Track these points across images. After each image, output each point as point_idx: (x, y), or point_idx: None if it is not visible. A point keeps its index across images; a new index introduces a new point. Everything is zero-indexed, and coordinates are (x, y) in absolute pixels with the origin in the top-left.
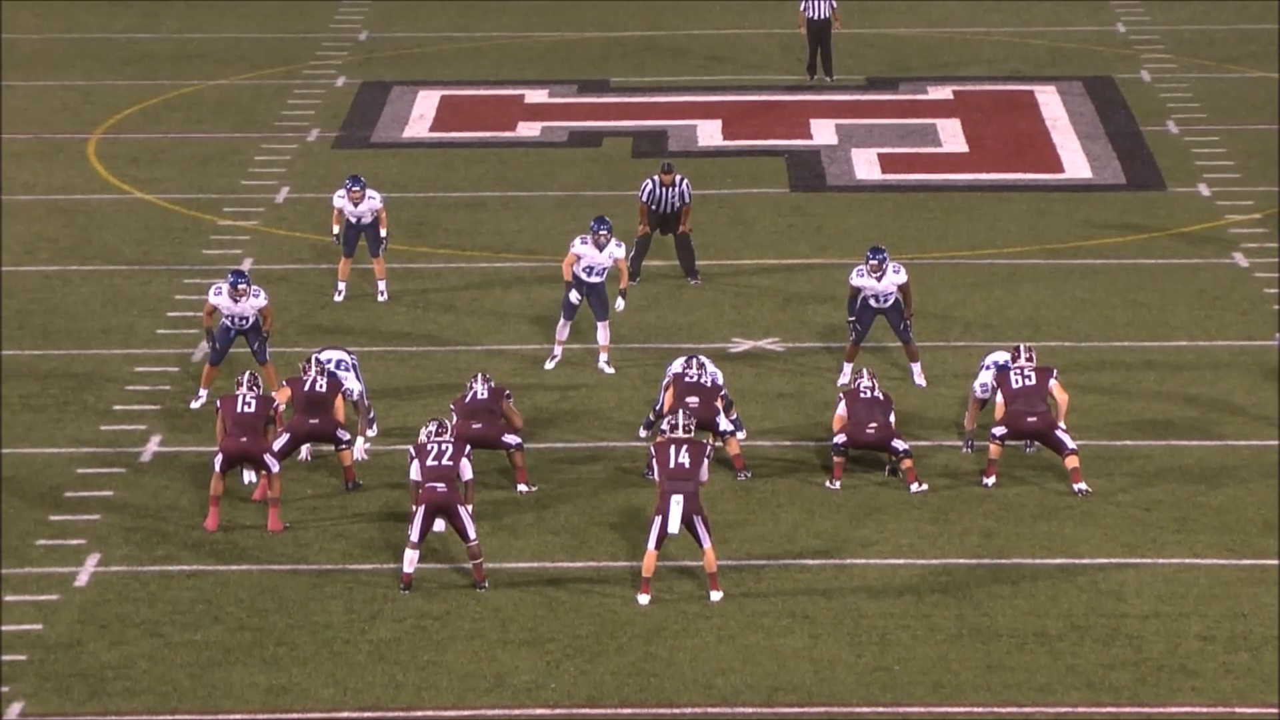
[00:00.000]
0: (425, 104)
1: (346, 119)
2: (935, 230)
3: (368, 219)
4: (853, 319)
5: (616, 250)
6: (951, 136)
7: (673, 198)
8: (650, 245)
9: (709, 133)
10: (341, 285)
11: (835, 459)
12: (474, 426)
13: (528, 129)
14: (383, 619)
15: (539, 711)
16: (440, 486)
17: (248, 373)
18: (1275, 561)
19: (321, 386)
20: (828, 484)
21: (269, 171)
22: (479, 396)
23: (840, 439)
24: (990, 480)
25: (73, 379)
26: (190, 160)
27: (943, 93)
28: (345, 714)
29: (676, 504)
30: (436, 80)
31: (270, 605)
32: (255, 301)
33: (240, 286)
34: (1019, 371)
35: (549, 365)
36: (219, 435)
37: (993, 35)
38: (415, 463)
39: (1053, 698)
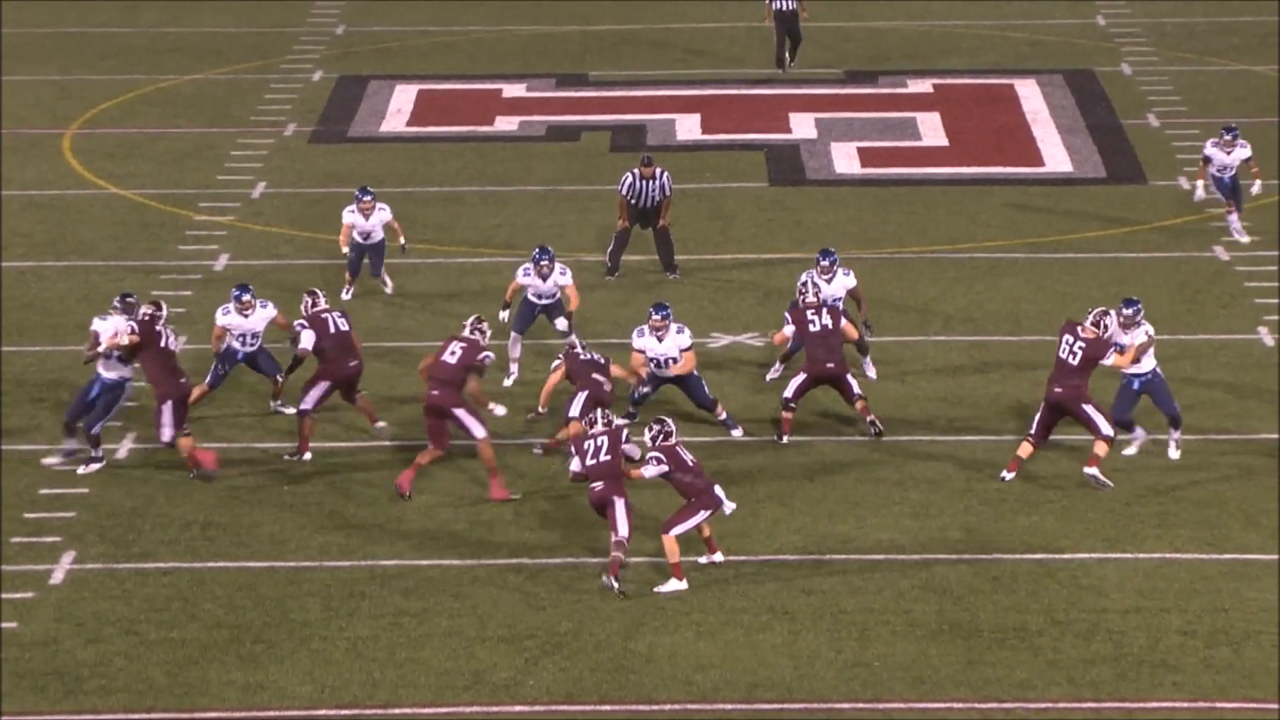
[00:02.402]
0: (403, 98)
1: (323, 113)
2: (915, 224)
3: (376, 235)
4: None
5: (562, 278)
6: (931, 130)
7: (653, 191)
8: (630, 240)
9: (688, 127)
10: (346, 294)
11: (784, 414)
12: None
13: (506, 123)
14: (360, 616)
15: (517, 708)
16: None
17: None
18: (1256, 556)
19: (344, 325)
20: (776, 439)
21: (245, 167)
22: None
23: (790, 391)
24: (1009, 475)
25: (48, 375)
26: (166, 155)
27: (922, 86)
28: (323, 711)
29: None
30: (414, 74)
31: (247, 602)
32: (265, 313)
33: (245, 299)
34: (1069, 342)
35: (507, 382)
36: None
37: (973, 28)
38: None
39: (1033, 693)
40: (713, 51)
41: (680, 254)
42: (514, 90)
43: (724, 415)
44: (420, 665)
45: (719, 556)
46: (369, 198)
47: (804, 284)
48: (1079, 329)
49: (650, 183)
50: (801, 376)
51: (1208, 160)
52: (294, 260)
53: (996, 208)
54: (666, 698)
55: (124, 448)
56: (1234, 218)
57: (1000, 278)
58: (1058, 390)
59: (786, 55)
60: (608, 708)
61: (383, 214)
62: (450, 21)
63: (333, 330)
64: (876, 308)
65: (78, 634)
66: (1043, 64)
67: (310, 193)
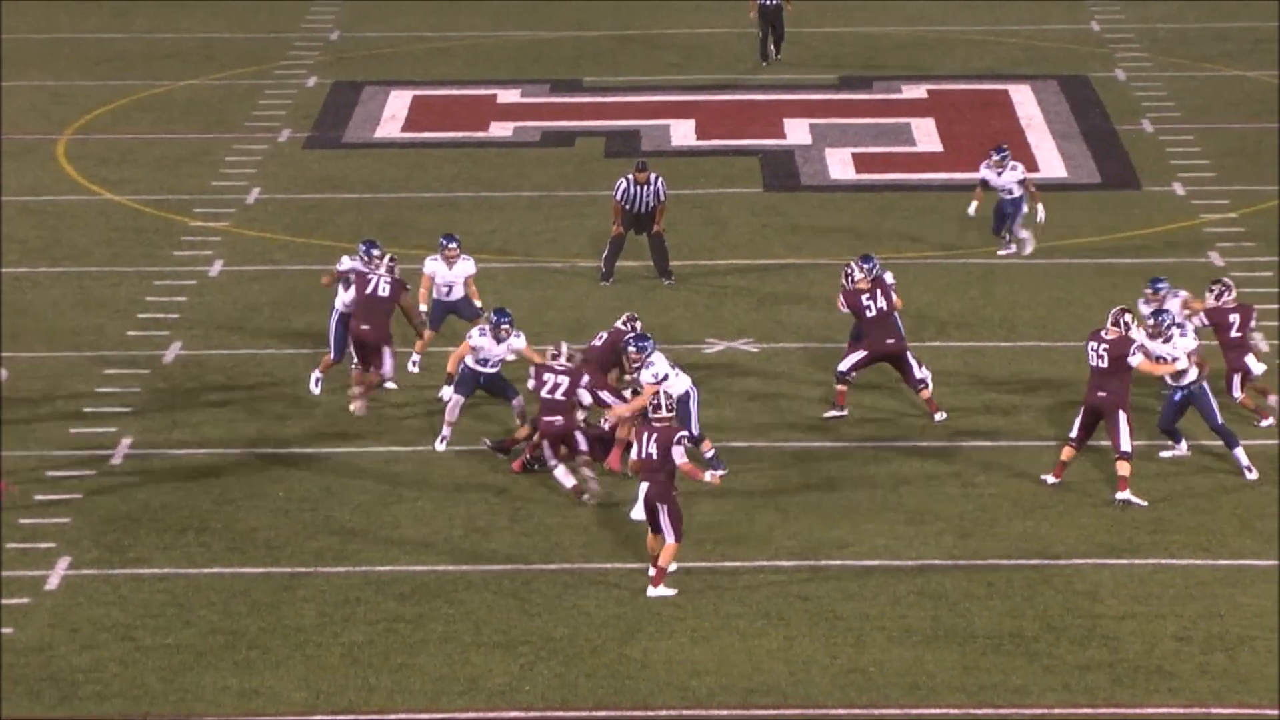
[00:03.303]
0: (397, 104)
1: (318, 119)
2: (910, 230)
3: (458, 290)
4: None
5: (516, 342)
6: (926, 136)
7: (647, 196)
8: (624, 245)
9: (682, 132)
10: (416, 357)
11: (839, 387)
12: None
13: (500, 129)
14: (355, 622)
15: (513, 714)
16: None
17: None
18: (1251, 561)
19: (384, 290)
20: (829, 413)
21: (240, 172)
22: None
23: (847, 365)
24: (1052, 479)
25: (42, 381)
26: (161, 161)
27: (917, 92)
28: (318, 717)
29: (643, 490)
30: (408, 80)
31: (242, 608)
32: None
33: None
34: (1094, 348)
35: (439, 446)
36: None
37: (967, 34)
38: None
39: (1029, 699)
40: (707, 57)
41: (675, 259)
42: (509, 96)
43: (711, 452)
44: (415, 671)
45: (650, 589)
46: (454, 245)
47: (848, 269)
48: (1102, 333)
49: (644, 188)
50: (861, 353)
51: (984, 183)
52: (289, 266)
53: (991, 213)
54: (662, 703)
55: (119, 453)
56: (1020, 232)
57: (995, 283)
58: (1100, 394)
59: (771, 48)
60: (603, 713)
61: (466, 265)
62: (445, 27)
63: (368, 291)
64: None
65: (73, 640)
66: (1037, 69)
67: (305, 198)
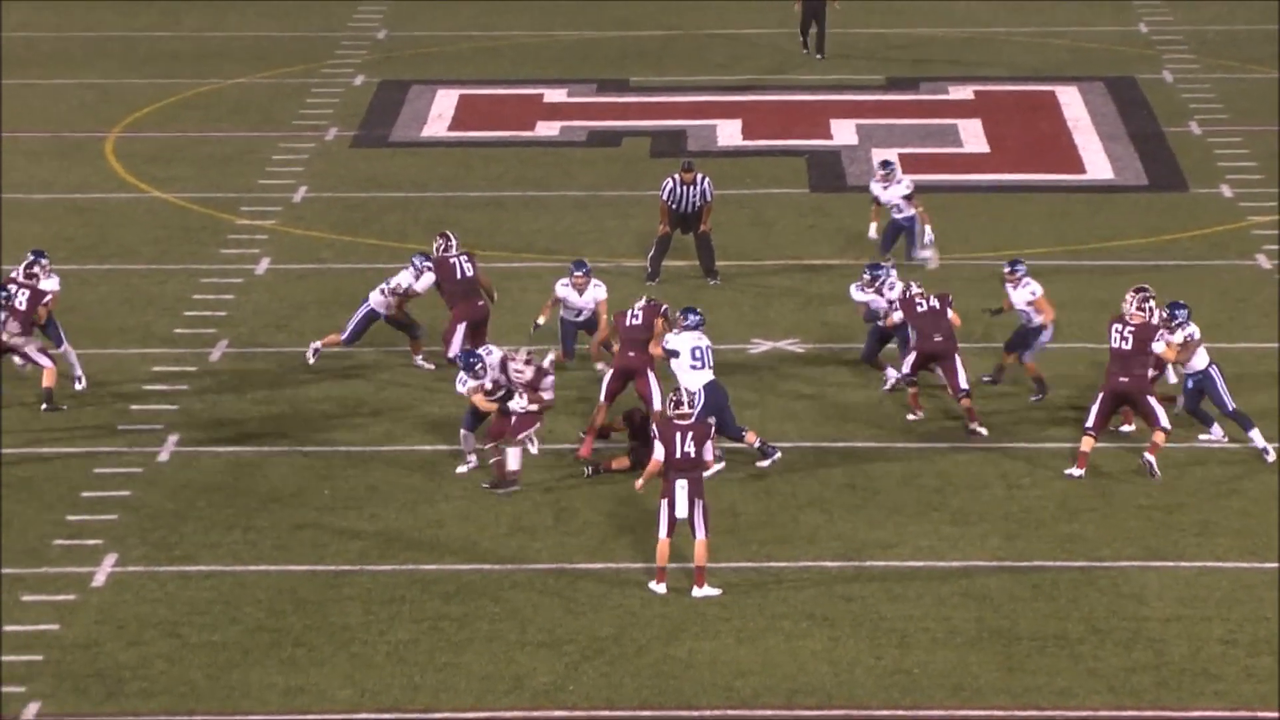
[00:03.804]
0: (444, 103)
1: (365, 118)
2: (957, 231)
3: (587, 312)
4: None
5: (598, 291)
6: (973, 137)
7: (694, 196)
8: (670, 245)
9: (729, 133)
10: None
11: (910, 390)
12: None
13: (546, 128)
14: (401, 620)
15: (557, 713)
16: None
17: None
18: None
19: (469, 271)
20: (910, 416)
21: (287, 171)
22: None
23: (907, 369)
24: (1078, 471)
25: (90, 379)
26: (208, 159)
27: (964, 93)
28: (363, 715)
29: (682, 489)
30: (455, 79)
31: (288, 606)
32: (596, 292)
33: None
34: (1118, 330)
35: (461, 470)
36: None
37: (1014, 35)
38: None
39: (1073, 701)
40: (754, 57)
41: (721, 259)
42: (555, 95)
43: (757, 442)
44: (460, 670)
45: (696, 591)
46: (582, 272)
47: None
48: (1125, 316)
49: (691, 188)
50: (912, 354)
51: (876, 200)
52: (335, 265)
53: (1037, 215)
54: (706, 704)
55: (166, 450)
56: (920, 252)
57: (1041, 285)
58: (1123, 380)
59: (810, 44)
60: (648, 713)
61: (597, 291)
62: (492, 26)
63: (459, 275)
64: None
65: (119, 636)
66: (1084, 71)
67: (351, 197)
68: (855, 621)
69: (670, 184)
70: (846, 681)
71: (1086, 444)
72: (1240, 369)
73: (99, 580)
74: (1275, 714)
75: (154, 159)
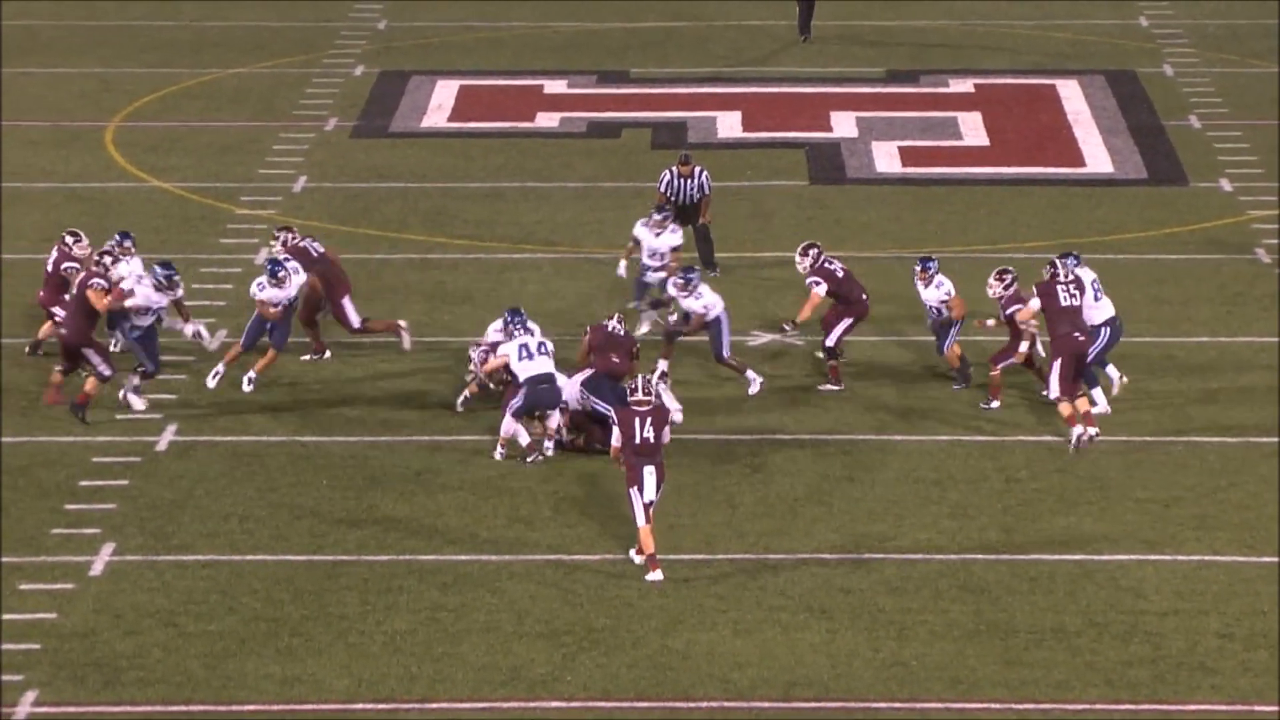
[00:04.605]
0: (444, 94)
1: (365, 108)
2: (956, 224)
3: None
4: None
5: (672, 238)
6: (972, 130)
7: (691, 189)
8: None
9: (729, 124)
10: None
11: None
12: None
13: (546, 119)
14: (398, 610)
15: (554, 704)
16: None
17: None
18: None
19: (321, 248)
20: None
21: (287, 161)
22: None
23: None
24: (1092, 430)
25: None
26: (208, 149)
27: (964, 86)
28: (360, 705)
29: (650, 474)
30: (455, 70)
31: (285, 596)
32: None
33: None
34: (1065, 287)
35: (497, 455)
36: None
37: (1015, 28)
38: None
39: (1071, 694)
40: (755, 49)
41: (720, 251)
42: (555, 86)
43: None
44: (457, 660)
45: (655, 575)
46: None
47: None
48: (1061, 274)
49: (689, 181)
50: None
51: (637, 242)
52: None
53: (1037, 208)
54: (703, 695)
55: (164, 440)
56: (645, 310)
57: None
58: (1081, 338)
59: (807, 26)
60: (645, 704)
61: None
62: (492, 17)
63: (315, 255)
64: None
65: (116, 625)
66: (1084, 64)
67: (351, 188)
68: (853, 614)
69: (667, 176)
70: (844, 673)
71: (1082, 404)
72: (1239, 363)
73: (96, 569)
74: (1272, 708)
75: (154, 148)
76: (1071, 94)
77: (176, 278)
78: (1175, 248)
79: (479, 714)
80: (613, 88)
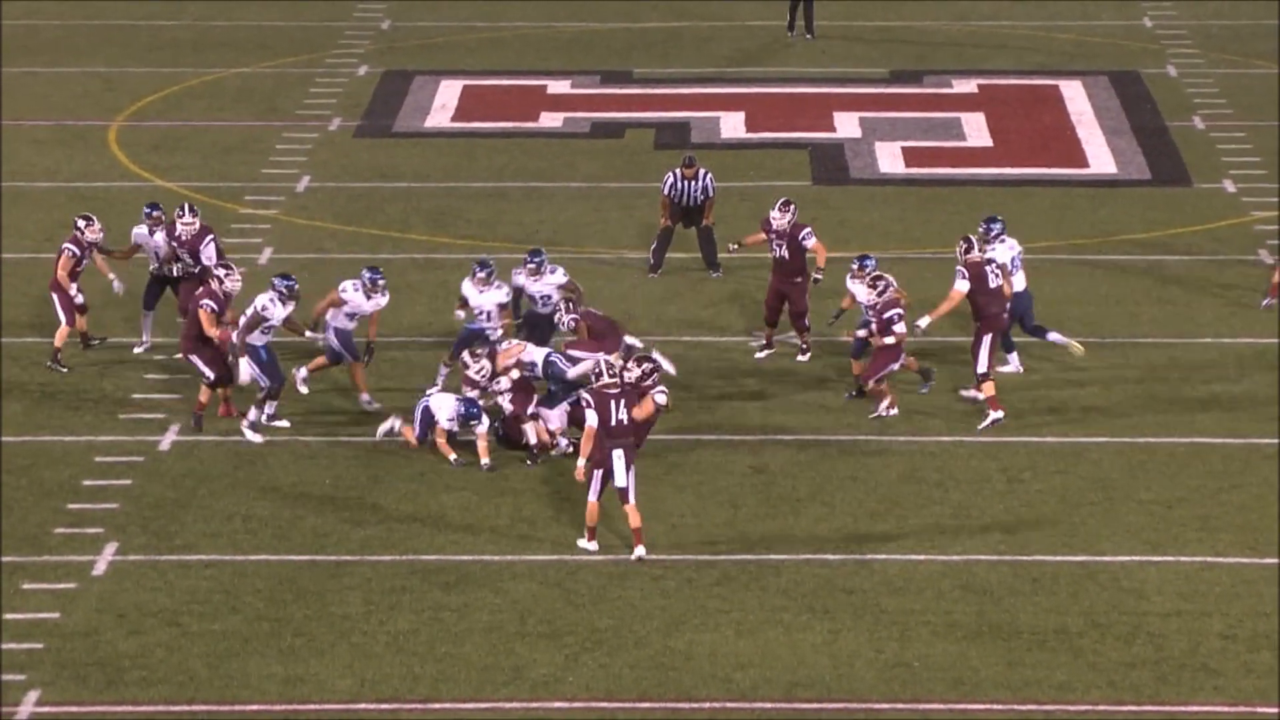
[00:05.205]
0: (447, 93)
1: (368, 108)
2: (959, 225)
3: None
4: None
5: (498, 294)
6: (976, 130)
7: (695, 192)
8: (673, 238)
9: (732, 125)
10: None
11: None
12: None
13: (550, 119)
14: (400, 610)
15: (557, 704)
16: None
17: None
18: None
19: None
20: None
21: (290, 160)
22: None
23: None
24: (999, 413)
25: (91, 367)
26: (211, 148)
27: (967, 86)
28: (362, 705)
29: (619, 458)
30: (459, 70)
31: (288, 596)
32: (497, 294)
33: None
34: (991, 270)
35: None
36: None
37: (1018, 29)
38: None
39: (1073, 695)
40: (758, 49)
41: (723, 252)
42: (559, 86)
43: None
44: (460, 660)
45: (639, 551)
46: (485, 271)
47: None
48: (971, 250)
49: (692, 183)
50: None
51: (519, 290)
52: (337, 255)
53: (1040, 209)
54: (705, 695)
55: (166, 440)
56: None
57: (1043, 279)
58: (1005, 317)
59: (798, 22)
60: (647, 705)
61: (500, 293)
62: (496, 17)
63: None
64: (921, 308)
65: (119, 625)
66: (1088, 65)
67: (354, 187)
68: (855, 614)
69: (671, 179)
70: (846, 674)
71: (991, 388)
72: (1242, 364)
73: (99, 569)
74: (1275, 709)
75: (157, 148)
76: (1075, 94)
77: (297, 288)
78: (1178, 248)
79: (482, 714)
80: (616, 88)
